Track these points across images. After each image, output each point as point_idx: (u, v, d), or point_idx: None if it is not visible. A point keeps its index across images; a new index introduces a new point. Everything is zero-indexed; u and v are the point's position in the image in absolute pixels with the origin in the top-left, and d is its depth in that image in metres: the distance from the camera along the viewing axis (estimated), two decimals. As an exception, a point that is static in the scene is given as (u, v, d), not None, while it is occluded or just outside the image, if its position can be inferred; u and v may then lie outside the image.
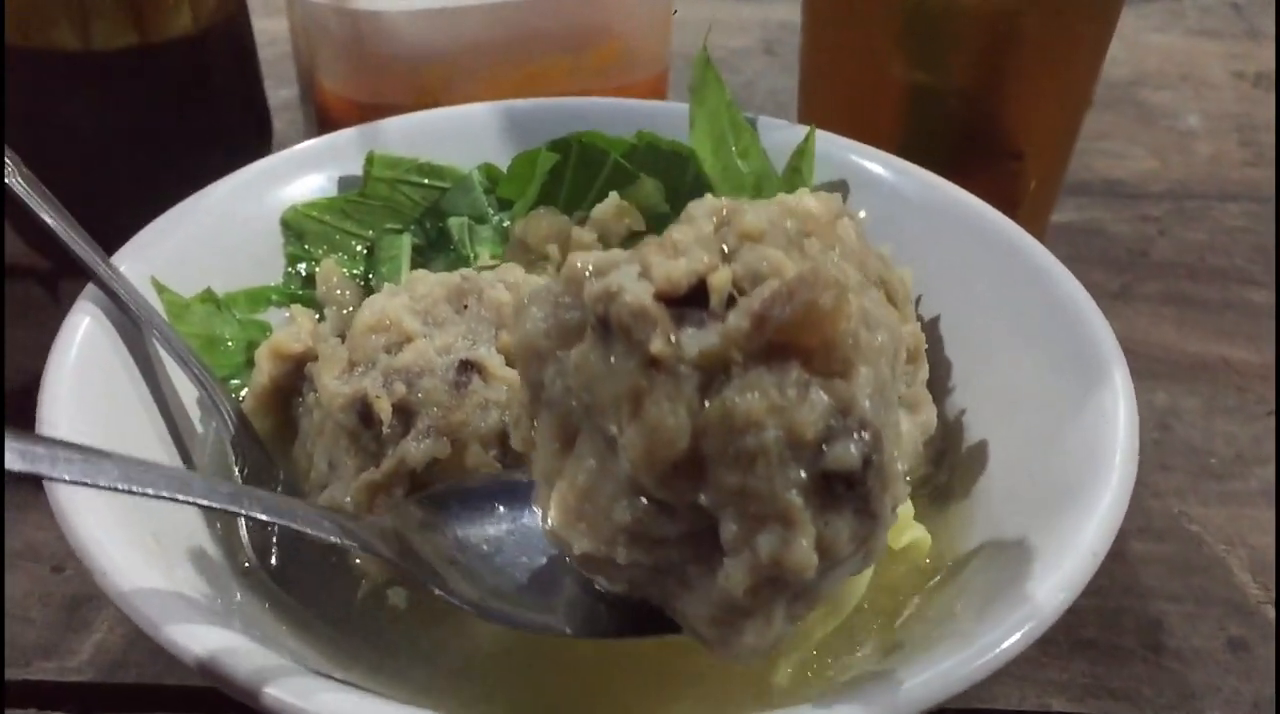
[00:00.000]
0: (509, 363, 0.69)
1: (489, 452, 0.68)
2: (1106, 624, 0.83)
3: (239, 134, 1.15)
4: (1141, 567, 0.89)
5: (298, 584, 0.69)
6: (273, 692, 0.50)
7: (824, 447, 0.47)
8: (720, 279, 0.49)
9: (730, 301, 0.49)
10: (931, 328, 0.84)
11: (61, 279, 0.97)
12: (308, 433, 0.74)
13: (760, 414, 0.47)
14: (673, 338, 0.48)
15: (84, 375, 0.68)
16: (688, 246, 0.50)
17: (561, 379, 0.54)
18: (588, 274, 0.52)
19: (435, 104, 1.04)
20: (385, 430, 0.68)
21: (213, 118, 1.10)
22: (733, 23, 1.70)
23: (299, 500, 0.66)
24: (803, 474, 0.48)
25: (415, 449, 0.66)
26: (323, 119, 1.08)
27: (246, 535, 0.70)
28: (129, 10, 0.99)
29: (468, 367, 0.68)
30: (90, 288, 0.73)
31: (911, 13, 0.94)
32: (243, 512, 0.55)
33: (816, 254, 0.52)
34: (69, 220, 0.74)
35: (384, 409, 0.67)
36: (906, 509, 0.72)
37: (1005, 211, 0.87)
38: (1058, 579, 0.57)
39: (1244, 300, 1.17)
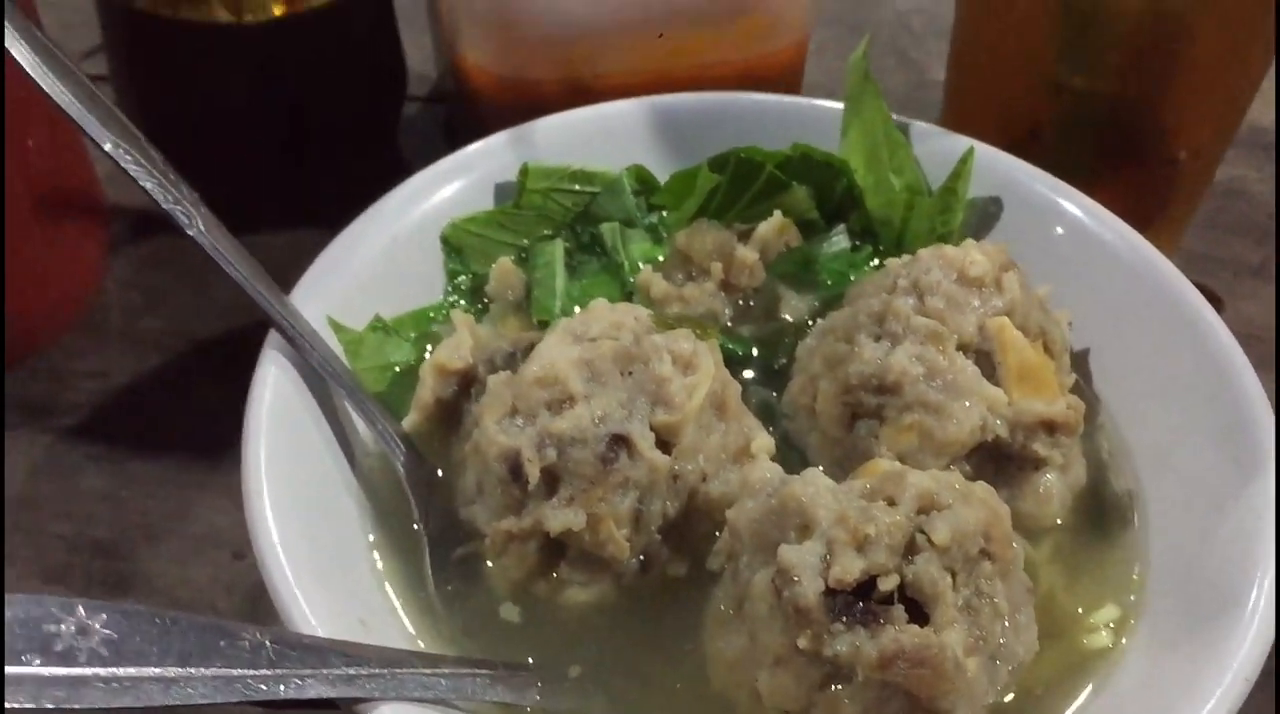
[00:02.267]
0: (659, 443, 0.72)
1: (621, 530, 0.71)
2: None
3: (377, 95, 1.16)
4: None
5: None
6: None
7: None
8: (887, 585, 0.59)
9: (890, 597, 0.59)
10: (1080, 361, 0.86)
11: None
12: (468, 436, 0.78)
13: None
14: (824, 636, 0.59)
15: (275, 430, 0.73)
16: (877, 542, 0.60)
17: (749, 573, 0.64)
18: (794, 527, 0.63)
19: (578, 78, 1.04)
20: (530, 488, 0.71)
21: (353, 82, 1.11)
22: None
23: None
24: None
25: (554, 516, 0.70)
26: (463, 88, 1.08)
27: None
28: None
29: (618, 441, 0.71)
30: (272, 335, 0.76)
31: (1067, 11, 0.91)
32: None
33: (983, 583, 0.61)
34: (252, 266, 0.76)
35: (533, 474, 0.71)
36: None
37: (1150, 216, 0.86)
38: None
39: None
